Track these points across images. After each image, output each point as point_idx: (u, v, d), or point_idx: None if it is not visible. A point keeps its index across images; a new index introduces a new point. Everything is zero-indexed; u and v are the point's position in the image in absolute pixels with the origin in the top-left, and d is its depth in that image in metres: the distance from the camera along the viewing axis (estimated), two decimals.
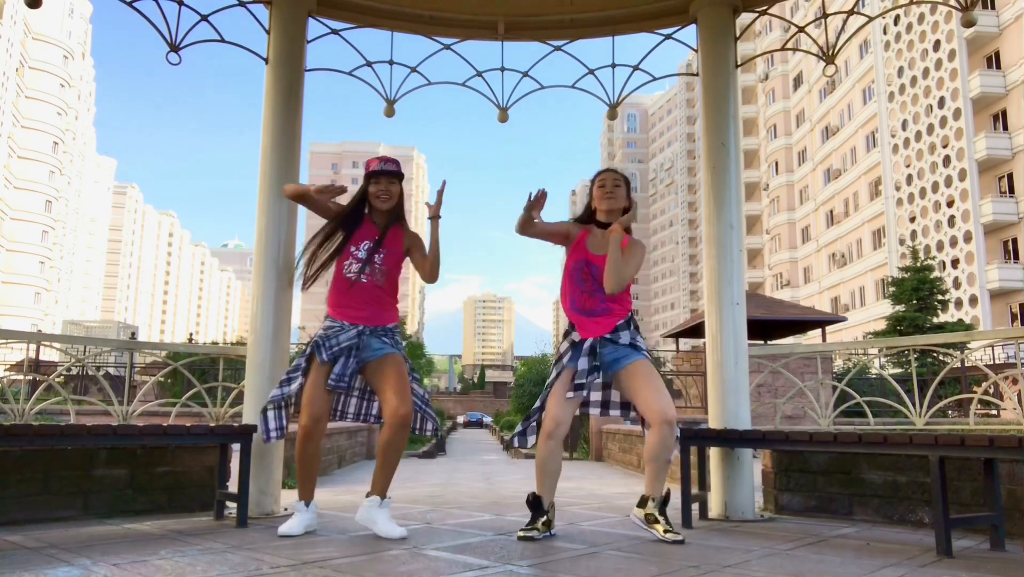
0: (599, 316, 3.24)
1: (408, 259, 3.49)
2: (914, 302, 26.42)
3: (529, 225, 3.29)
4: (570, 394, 3.18)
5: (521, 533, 3.08)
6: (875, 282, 44.99)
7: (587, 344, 3.22)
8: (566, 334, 3.35)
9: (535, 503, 3.15)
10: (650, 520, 3.08)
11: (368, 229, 3.39)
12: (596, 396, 3.26)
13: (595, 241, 3.33)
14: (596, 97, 4.81)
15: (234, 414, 4.19)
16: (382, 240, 3.37)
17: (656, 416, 3.06)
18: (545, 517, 3.13)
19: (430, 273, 3.41)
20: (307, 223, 3.74)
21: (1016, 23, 35.94)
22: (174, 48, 4.09)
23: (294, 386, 3.28)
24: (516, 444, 3.34)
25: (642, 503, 3.14)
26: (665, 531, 3.01)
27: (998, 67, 37.31)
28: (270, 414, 3.30)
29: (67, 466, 3.56)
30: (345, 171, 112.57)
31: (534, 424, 3.28)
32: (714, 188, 4.15)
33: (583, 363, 3.18)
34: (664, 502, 3.11)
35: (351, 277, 3.31)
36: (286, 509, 3.91)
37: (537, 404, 3.30)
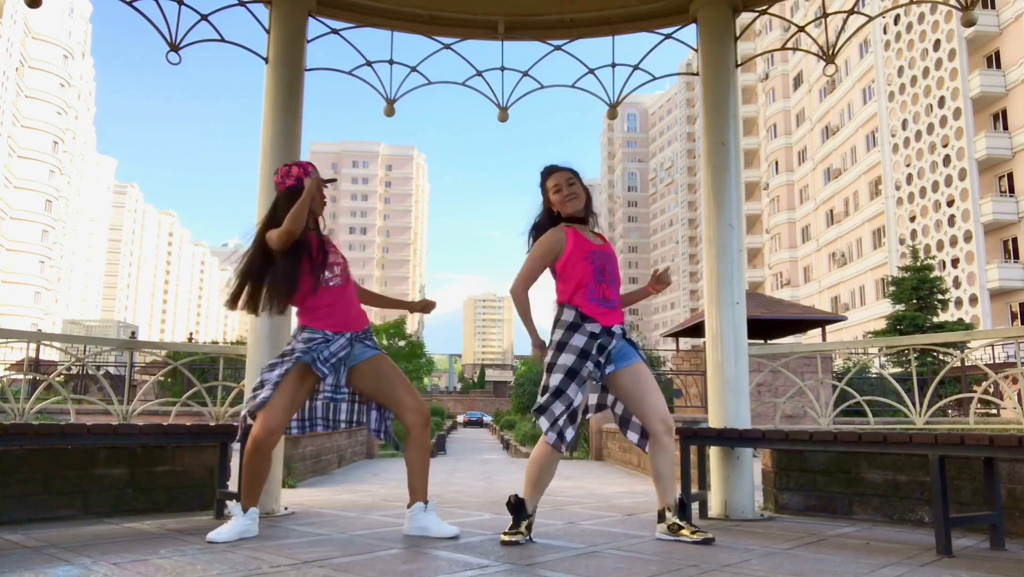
0: (615, 307, 3.18)
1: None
2: (914, 301, 26.42)
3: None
4: (591, 416, 3.20)
5: (505, 537, 2.94)
6: (875, 281, 44.98)
7: (614, 332, 3.11)
8: (574, 326, 3.06)
9: (518, 505, 3.01)
10: (674, 530, 3.04)
11: (314, 236, 3.20)
12: (593, 399, 3.22)
13: (587, 234, 3.23)
14: (596, 97, 4.82)
15: (234, 413, 4.19)
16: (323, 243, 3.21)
17: (661, 425, 3.04)
18: (528, 521, 3.01)
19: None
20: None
21: (1016, 23, 35.93)
22: (174, 48, 4.10)
23: (266, 394, 3.00)
24: (562, 450, 3.07)
25: (661, 517, 3.10)
26: (692, 533, 2.98)
27: (998, 67, 37.29)
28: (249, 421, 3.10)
29: (67, 465, 3.56)
30: (345, 170, 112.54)
31: (566, 418, 3.01)
32: (714, 188, 4.15)
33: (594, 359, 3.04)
34: (680, 508, 3.08)
35: (329, 283, 3.14)
36: (286, 508, 3.92)
37: (568, 402, 3.02)
